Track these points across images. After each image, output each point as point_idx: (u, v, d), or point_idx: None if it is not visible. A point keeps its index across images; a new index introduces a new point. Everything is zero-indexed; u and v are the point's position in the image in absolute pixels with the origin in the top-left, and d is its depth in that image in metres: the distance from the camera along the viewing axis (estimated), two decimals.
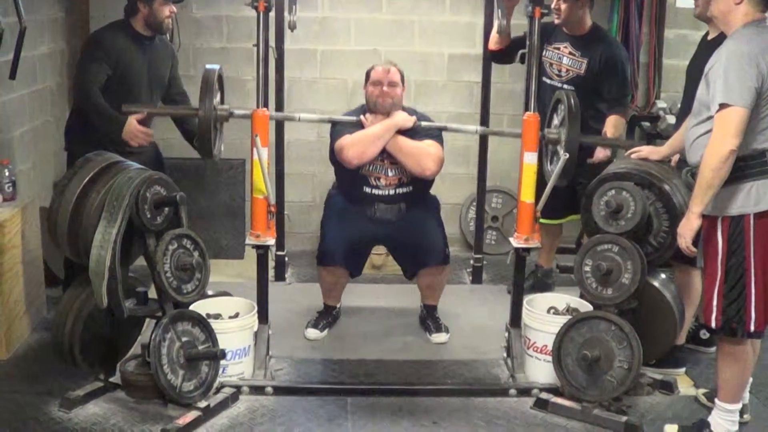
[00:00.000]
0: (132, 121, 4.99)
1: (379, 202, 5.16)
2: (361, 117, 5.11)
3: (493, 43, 5.69)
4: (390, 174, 5.12)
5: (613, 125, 5.50)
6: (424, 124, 5.15)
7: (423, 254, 5.28)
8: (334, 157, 5.16)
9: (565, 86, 5.53)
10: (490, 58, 5.94)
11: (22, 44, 4.91)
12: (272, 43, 4.83)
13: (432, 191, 5.44)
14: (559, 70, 5.62)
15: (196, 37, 6.80)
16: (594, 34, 5.65)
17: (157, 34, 5.29)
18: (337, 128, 5.13)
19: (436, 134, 5.17)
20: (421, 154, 5.05)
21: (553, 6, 5.49)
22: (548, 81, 5.61)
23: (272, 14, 4.69)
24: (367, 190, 5.14)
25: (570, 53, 5.59)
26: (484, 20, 6.03)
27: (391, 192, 5.15)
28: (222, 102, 4.70)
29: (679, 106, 5.18)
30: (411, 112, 5.21)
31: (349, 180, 5.20)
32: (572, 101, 4.59)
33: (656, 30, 7.06)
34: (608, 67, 5.53)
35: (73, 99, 5.28)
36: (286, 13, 4.95)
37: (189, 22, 6.68)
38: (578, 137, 4.55)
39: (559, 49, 5.62)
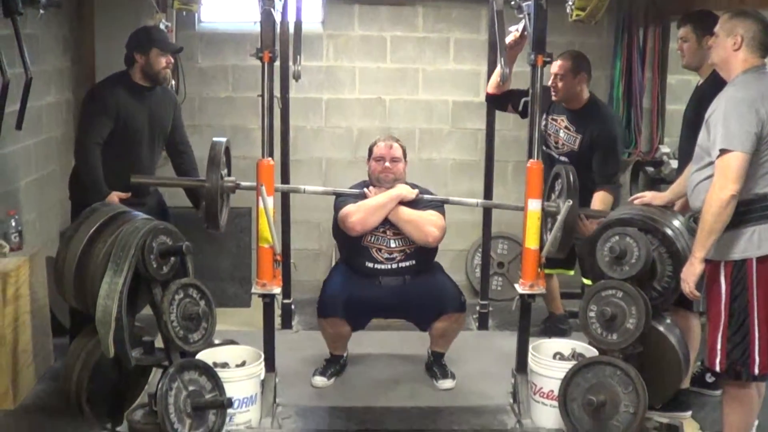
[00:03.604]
0: (113, 198, 5.00)
1: (383, 275, 5.22)
2: (365, 190, 5.25)
3: (492, 87, 5.70)
4: (392, 245, 5.18)
5: (600, 201, 5.55)
6: (426, 197, 5.28)
7: (439, 302, 5.29)
8: (338, 230, 5.26)
9: (561, 158, 5.61)
10: (486, 99, 5.97)
11: (28, 95, 4.96)
12: (277, 92, 4.88)
13: None
14: (556, 143, 5.72)
15: (202, 87, 6.87)
16: (590, 108, 5.73)
17: (156, 85, 5.35)
18: (341, 199, 5.26)
19: (437, 206, 5.29)
20: (423, 222, 5.15)
21: (550, 83, 5.56)
22: (547, 151, 5.67)
23: (277, 64, 4.72)
24: (370, 265, 5.20)
25: (566, 127, 5.67)
26: (487, 68, 6.08)
27: (394, 266, 5.21)
28: (229, 174, 4.78)
29: None
30: (413, 186, 5.31)
31: (353, 253, 5.27)
32: (571, 176, 4.66)
33: (659, 76, 7.15)
34: (599, 144, 5.60)
35: (75, 153, 5.32)
36: (290, 63, 4.98)
37: (195, 72, 6.76)
38: (577, 211, 4.64)
39: (556, 121, 5.72)
